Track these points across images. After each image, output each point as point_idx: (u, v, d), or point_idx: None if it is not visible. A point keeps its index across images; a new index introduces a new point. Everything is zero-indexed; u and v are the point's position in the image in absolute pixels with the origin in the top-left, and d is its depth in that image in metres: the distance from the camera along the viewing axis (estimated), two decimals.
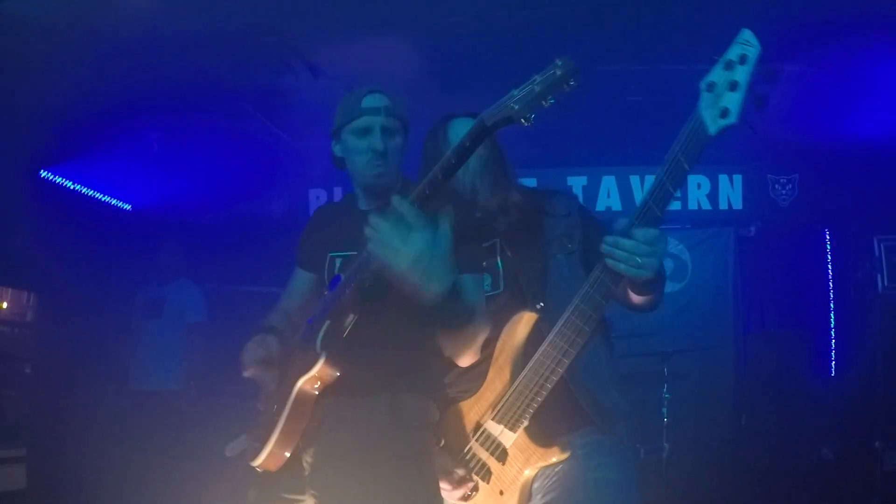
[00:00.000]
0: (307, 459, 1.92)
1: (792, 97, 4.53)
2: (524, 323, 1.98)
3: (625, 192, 5.55)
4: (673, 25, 3.84)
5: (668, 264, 5.37)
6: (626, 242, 1.73)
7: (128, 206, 5.74)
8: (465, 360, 1.95)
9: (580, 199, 5.47)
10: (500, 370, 1.99)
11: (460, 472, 2.00)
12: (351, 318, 1.89)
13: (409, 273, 1.61)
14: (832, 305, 5.30)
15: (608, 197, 5.59)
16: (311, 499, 1.90)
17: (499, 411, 1.95)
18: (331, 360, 1.85)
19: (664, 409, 4.56)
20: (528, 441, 1.93)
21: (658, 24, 3.85)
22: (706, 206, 5.48)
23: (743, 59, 1.69)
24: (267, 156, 5.35)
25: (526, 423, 1.92)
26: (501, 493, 1.96)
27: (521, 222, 2.14)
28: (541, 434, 1.94)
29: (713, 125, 1.69)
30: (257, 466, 1.97)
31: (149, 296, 4.96)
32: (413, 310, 1.88)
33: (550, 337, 1.89)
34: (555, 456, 1.91)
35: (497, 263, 2.11)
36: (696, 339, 5.18)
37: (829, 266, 5.35)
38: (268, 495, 1.98)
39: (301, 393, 1.89)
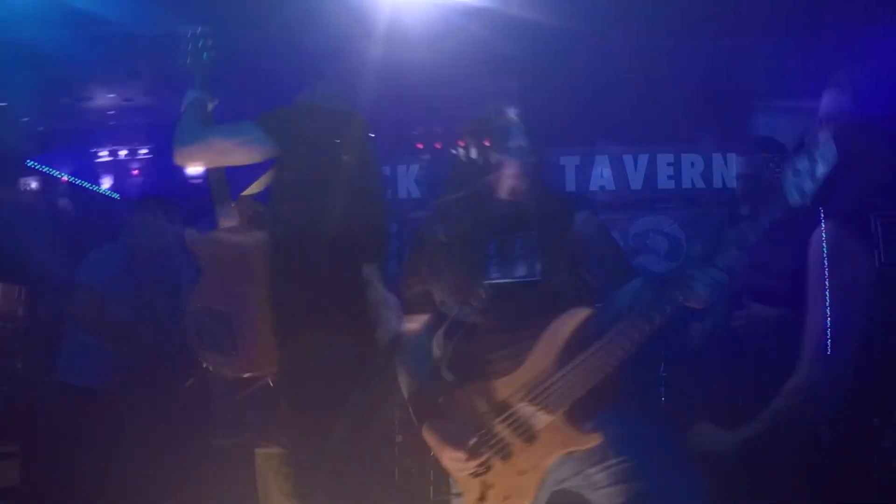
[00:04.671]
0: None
1: (785, 72, 4.49)
2: (578, 316, 2.07)
3: (618, 172, 5.51)
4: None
5: (663, 243, 5.36)
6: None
7: (116, 196, 5.67)
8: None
9: (573, 179, 5.43)
10: (544, 356, 2.04)
11: (473, 446, 2.07)
12: None
13: None
14: (827, 283, 5.27)
15: (601, 177, 5.55)
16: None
17: (539, 394, 2.02)
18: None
19: (661, 389, 4.56)
20: (567, 425, 2.00)
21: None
22: (700, 184, 5.45)
23: None
24: None
25: (566, 408, 2.00)
26: (522, 473, 2.03)
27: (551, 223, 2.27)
28: (580, 419, 2.02)
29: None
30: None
31: None
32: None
33: (612, 334, 2.02)
34: (592, 441, 2.00)
35: (535, 251, 2.22)
36: (692, 318, 5.15)
37: (825, 243, 5.31)
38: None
39: None
